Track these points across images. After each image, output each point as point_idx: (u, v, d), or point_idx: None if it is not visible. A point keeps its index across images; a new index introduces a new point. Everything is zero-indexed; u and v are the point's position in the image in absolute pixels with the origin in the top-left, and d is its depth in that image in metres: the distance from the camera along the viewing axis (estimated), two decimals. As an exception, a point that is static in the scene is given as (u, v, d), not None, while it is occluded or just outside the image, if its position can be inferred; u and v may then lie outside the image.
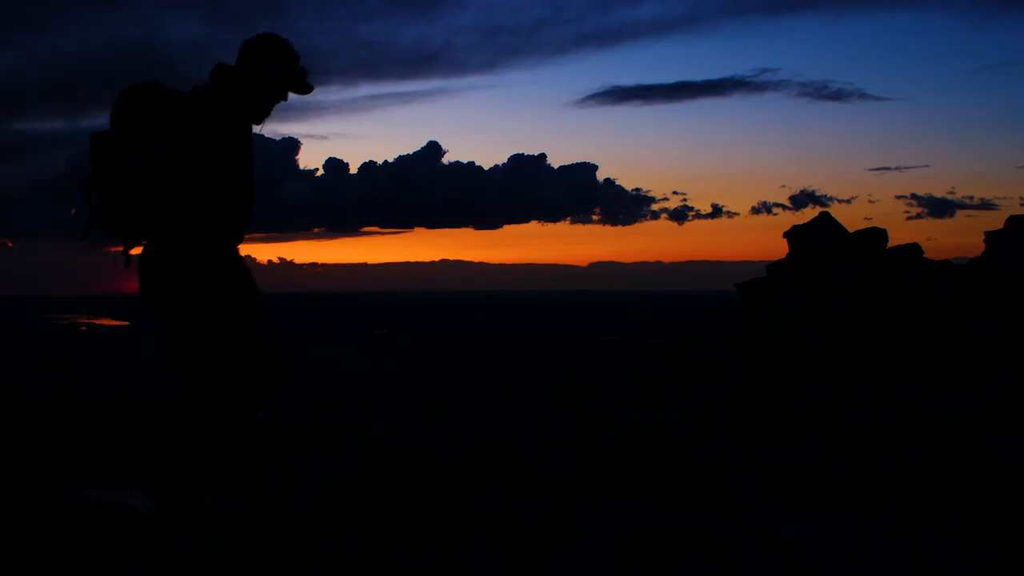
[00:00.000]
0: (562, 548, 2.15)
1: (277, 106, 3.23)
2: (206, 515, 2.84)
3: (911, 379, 3.44)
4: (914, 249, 4.68)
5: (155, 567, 2.39)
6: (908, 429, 2.92)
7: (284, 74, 2.97)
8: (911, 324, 3.92)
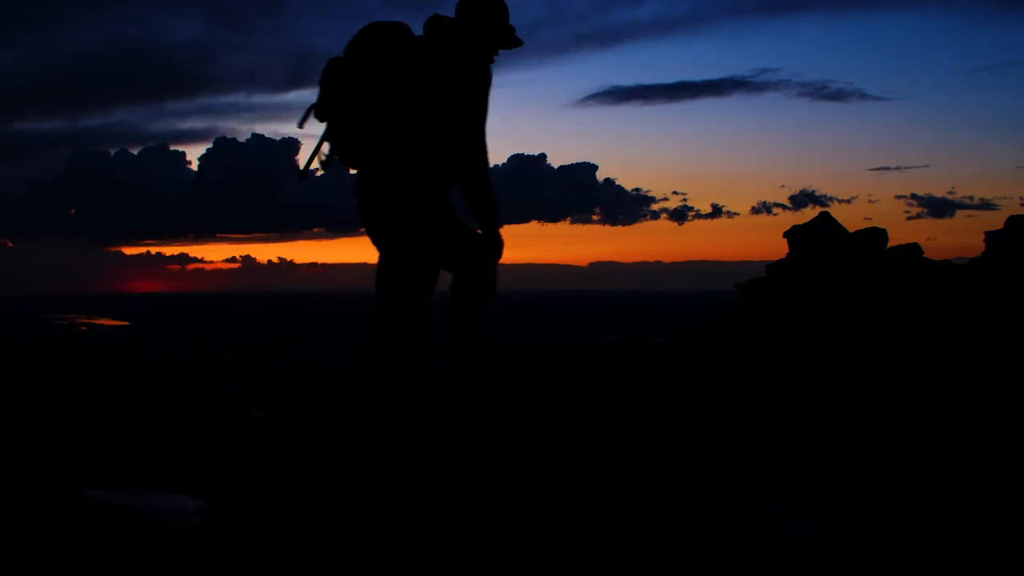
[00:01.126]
0: (562, 548, 2.15)
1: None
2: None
3: (911, 379, 3.44)
4: (914, 249, 4.67)
5: (155, 567, 2.39)
6: (908, 429, 2.92)
7: (492, 30, 3.29)
8: (911, 324, 3.92)
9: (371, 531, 2.34)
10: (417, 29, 3.37)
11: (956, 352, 3.66)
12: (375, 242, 3.46)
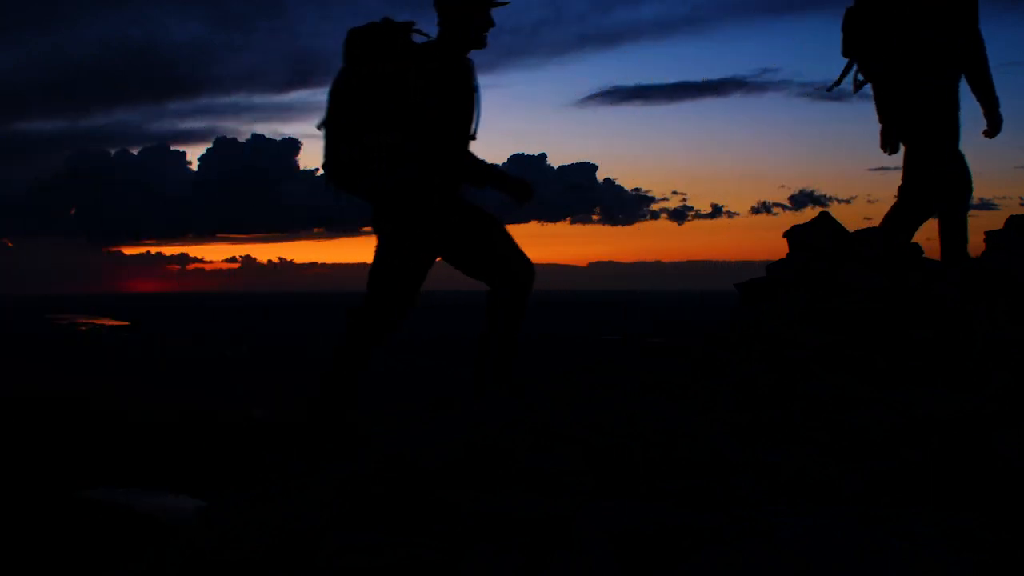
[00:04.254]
0: (562, 548, 2.15)
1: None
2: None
3: (911, 379, 3.44)
4: (914, 249, 4.67)
5: (155, 567, 2.39)
6: (908, 429, 2.92)
7: None
8: (911, 324, 3.92)
9: (371, 531, 2.34)
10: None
11: (956, 352, 3.66)
12: None
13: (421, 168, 3.44)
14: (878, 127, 5.01)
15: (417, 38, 3.53)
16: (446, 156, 3.53)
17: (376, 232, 3.57)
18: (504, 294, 3.68)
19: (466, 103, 3.60)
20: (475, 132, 3.66)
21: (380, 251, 3.53)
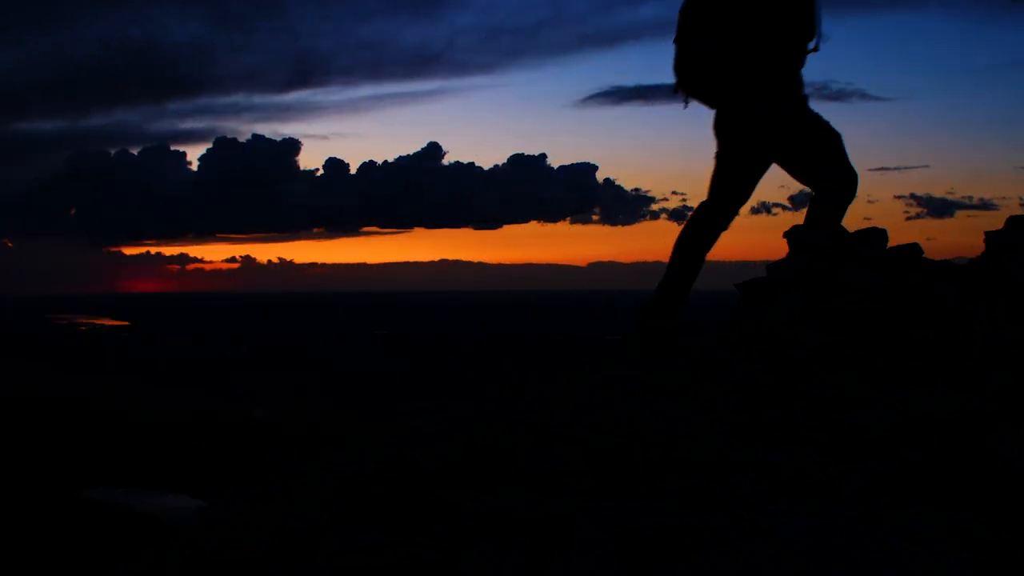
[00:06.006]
0: (562, 548, 2.15)
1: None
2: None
3: (911, 379, 3.44)
4: (914, 249, 4.67)
5: (155, 567, 2.39)
6: (908, 429, 2.92)
7: None
8: (911, 324, 3.92)
9: (371, 531, 2.34)
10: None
11: (956, 352, 3.65)
12: None
13: (766, 79, 3.79)
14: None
15: None
16: (790, 67, 3.87)
17: (718, 137, 4.02)
18: (823, 196, 4.10)
19: (806, 11, 3.83)
20: (817, 42, 3.91)
21: (723, 155, 3.99)
